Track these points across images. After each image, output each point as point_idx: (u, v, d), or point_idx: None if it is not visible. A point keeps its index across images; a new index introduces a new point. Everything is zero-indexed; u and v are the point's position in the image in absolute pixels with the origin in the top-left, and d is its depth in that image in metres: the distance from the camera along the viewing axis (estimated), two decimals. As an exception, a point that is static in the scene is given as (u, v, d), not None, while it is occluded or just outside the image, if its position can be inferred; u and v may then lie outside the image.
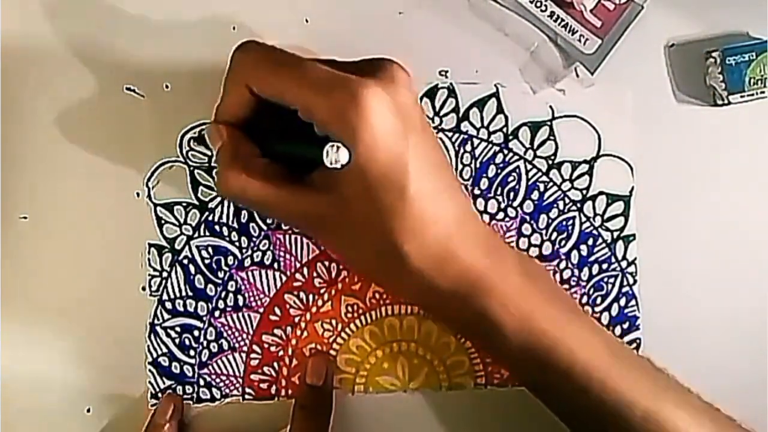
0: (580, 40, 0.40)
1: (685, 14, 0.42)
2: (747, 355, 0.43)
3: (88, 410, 0.41)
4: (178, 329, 0.41)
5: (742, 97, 0.41)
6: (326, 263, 0.41)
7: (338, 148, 0.31)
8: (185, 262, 0.41)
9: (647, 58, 0.42)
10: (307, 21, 0.41)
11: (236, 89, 0.35)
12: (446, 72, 0.41)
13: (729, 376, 0.42)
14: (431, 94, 0.41)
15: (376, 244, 0.35)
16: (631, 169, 0.42)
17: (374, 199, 0.33)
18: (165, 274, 0.41)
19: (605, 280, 0.42)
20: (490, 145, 0.42)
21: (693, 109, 0.42)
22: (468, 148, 0.42)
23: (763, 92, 0.41)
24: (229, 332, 0.41)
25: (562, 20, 0.40)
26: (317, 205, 0.35)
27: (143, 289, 0.41)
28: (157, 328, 0.41)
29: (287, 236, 0.41)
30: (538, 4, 0.40)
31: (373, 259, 0.36)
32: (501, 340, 0.36)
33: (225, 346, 0.41)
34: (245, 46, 0.35)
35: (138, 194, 0.41)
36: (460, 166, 0.42)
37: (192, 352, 0.41)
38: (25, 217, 0.41)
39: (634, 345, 0.42)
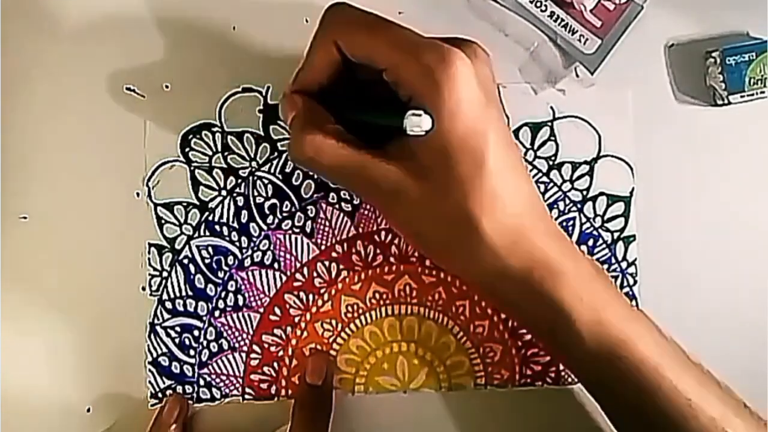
0: (580, 40, 0.40)
1: (685, 14, 0.42)
2: (747, 355, 0.42)
3: (88, 410, 0.41)
4: (178, 329, 0.41)
5: (742, 97, 0.41)
6: (326, 263, 0.41)
7: (421, 114, 0.31)
8: (185, 261, 0.41)
9: (647, 58, 0.42)
10: (307, 21, 0.41)
11: (324, 48, 0.35)
12: (446, 72, 0.41)
13: (729, 377, 0.42)
14: (431, 94, 0.41)
15: (450, 216, 0.34)
16: (632, 170, 0.42)
17: (453, 168, 0.33)
18: (165, 274, 0.41)
19: (605, 280, 0.42)
20: (491, 146, 0.42)
21: (693, 109, 0.42)
22: (468, 148, 0.42)
23: (763, 92, 0.41)
24: (229, 332, 0.41)
25: (562, 20, 0.40)
26: (394, 173, 0.34)
27: (143, 289, 0.41)
28: (157, 327, 0.41)
29: (287, 236, 0.41)
30: (538, 4, 0.40)
31: (445, 232, 0.35)
32: (571, 331, 0.35)
33: (225, 346, 0.41)
34: (337, 6, 0.35)
35: (138, 194, 0.41)
36: (460, 167, 0.42)
37: (192, 352, 0.41)
38: (25, 217, 0.41)
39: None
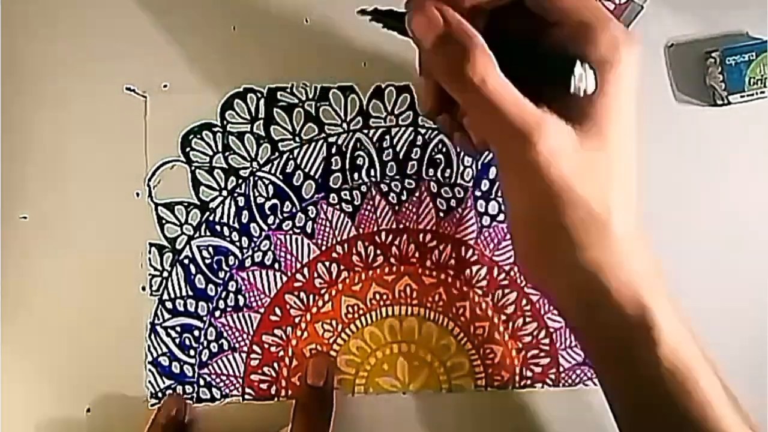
0: (580, 40, 0.40)
1: (685, 14, 0.42)
2: (749, 356, 0.42)
3: (88, 410, 0.41)
4: (178, 329, 0.41)
5: (742, 97, 0.41)
6: (327, 264, 0.41)
7: (591, 72, 0.30)
8: (186, 261, 0.41)
9: (647, 58, 0.42)
10: (307, 21, 0.41)
11: None
12: (447, 72, 0.41)
13: (730, 378, 0.42)
14: (432, 94, 0.41)
15: (581, 197, 0.31)
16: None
17: (607, 141, 0.31)
18: (165, 274, 0.41)
19: (606, 281, 0.42)
20: (491, 146, 0.42)
21: (693, 109, 0.42)
22: (468, 148, 0.42)
23: (763, 92, 0.41)
24: (230, 332, 0.41)
25: (562, 20, 0.40)
26: (544, 122, 0.31)
27: (143, 288, 0.41)
28: (158, 327, 0.41)
29: (288, 236, 0.41)
30: (538, 4, 0.40)
31: (552, 212, 0.32)
32: (651, 357, 0.33)
33: (225, 346, 0.41)
34: None
35: (138, 194, 0.41)
36: (461, 168, 0.42)
37: (192, 352, 0.41)
38: (25, 217, 0.41)
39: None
